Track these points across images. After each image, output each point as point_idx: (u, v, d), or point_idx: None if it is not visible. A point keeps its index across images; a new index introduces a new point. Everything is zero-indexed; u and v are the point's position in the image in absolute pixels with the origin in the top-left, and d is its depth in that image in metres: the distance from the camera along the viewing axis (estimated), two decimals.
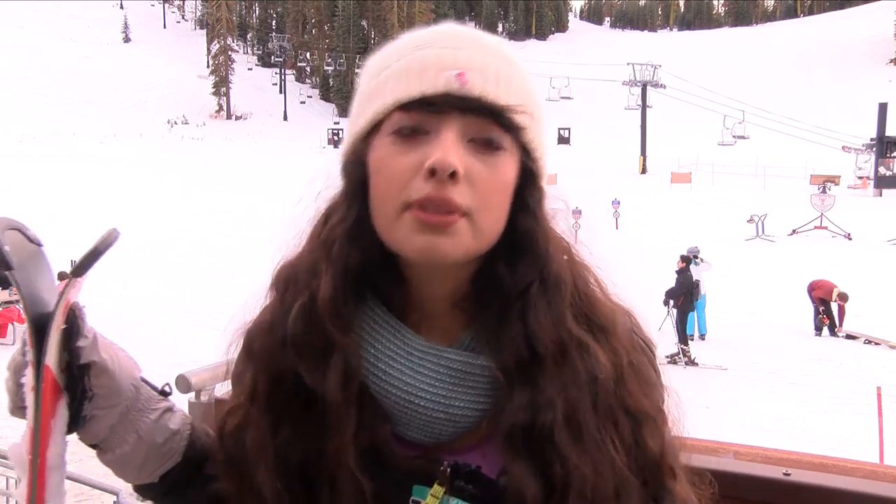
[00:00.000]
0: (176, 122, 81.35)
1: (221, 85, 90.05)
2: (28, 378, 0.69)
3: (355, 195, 0.73)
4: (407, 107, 0.68)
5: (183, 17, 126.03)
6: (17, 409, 0.71)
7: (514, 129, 0.70)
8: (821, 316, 12.26)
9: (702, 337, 11.86)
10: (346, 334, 0.71)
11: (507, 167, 0.70)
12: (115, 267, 16.37)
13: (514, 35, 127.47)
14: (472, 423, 0.72)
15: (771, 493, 1.08)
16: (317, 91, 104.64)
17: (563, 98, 54.34)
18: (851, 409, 8.35)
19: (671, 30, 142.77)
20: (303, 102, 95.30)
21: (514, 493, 0.68)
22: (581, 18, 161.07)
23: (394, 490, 0.71)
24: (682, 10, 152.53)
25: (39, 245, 0.76)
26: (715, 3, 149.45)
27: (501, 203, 0.70)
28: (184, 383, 1.37)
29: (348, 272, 0.72)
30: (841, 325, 12.23)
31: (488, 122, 0.69)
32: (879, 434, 6.46)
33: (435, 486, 0.70)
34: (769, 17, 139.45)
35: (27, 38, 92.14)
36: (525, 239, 0.72)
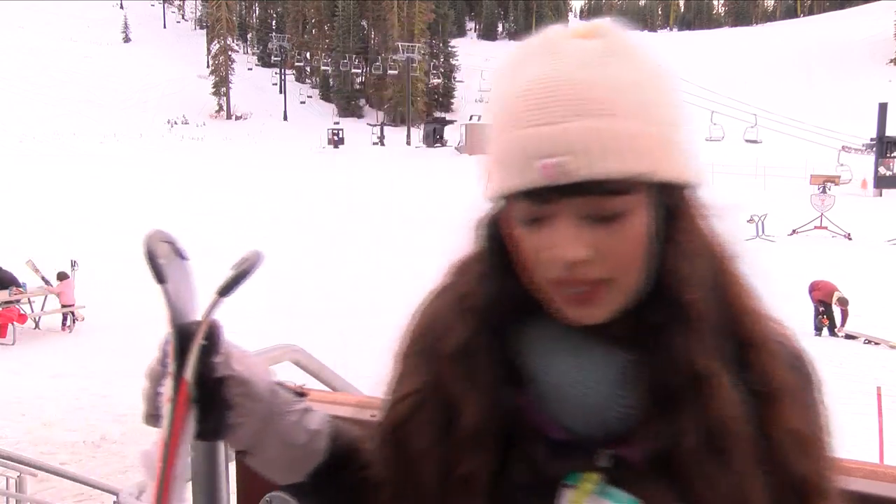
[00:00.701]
0: (176, 122, 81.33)
1: (221, 85, 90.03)
2: (166, 389, 0.72)
3: (496, 259, 0.74)
4: (515, 196, 0.68)
5: (183, 17, 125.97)
6: (151, 416, 0.75)
7: (631, 188, 0.67)
8: (820, 317, 12.25)
9: None
10: (518, 374, 0.73)
11: (635, 225, 0.68)
12: (114, 267, 16.36)
13: (514, 35, 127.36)
14: (633, 416, 0.72)
15: None
16: (317, 91, 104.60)
17: None
18: (851, 409, 8.35)
19: (671, 30, 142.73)
20: (303, 102, 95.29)
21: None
22: (581, 18, 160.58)
23: (540, 478, 0.72)
24: (682, 10, 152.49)
25: (187, 259, 0.78)
26: (715, 3, 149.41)
27: (638, 257, 0.69)
28: None
29: (511, 301, 0.74)
30: (843, 326, 12.23)
31: (602, 196, 0.66)
32: (879, 434, 6.46)
33: (590, 473, 0.71)
34: (769, 17, 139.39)
35: (27, 38, 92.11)
36: (669, 276, 0.70)
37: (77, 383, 9.06)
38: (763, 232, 22.74)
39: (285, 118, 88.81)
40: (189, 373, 0.71)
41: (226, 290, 0.72)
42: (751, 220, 23.07)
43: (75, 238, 19.14)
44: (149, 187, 34.62)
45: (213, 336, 0.73)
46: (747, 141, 48.39)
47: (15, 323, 11.77)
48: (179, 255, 0.76)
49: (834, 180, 32.50)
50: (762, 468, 0.70)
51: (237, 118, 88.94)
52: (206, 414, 0.72)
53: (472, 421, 0.72)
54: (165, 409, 0.72)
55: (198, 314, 0.74)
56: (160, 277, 0.71)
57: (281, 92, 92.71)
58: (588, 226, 0.66)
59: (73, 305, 12.53)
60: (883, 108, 38.13)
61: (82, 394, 8.67)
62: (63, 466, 5.80)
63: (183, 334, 0.72)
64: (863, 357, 10.87)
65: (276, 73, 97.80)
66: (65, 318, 12.58)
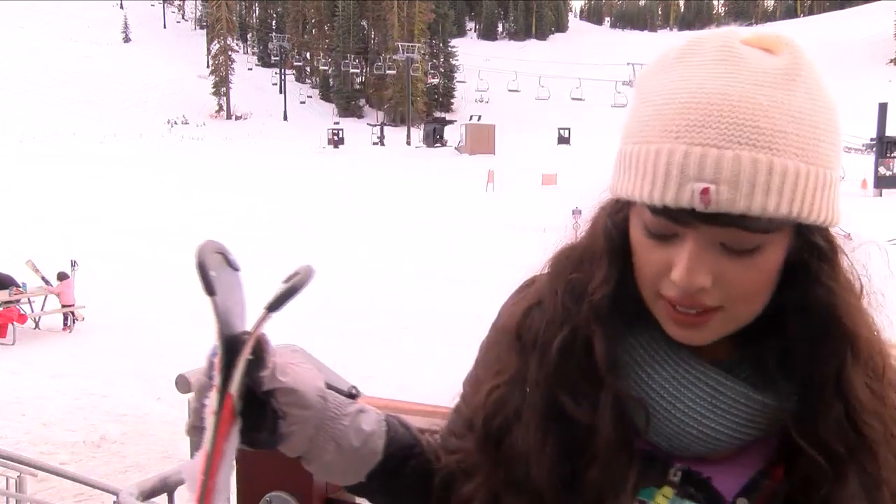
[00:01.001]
0: (176, 122, 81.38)
1: (221, 85, 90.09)
2: (210, 402, 0.72)
3: (615, 256, 0.72)
4: (653, 209, 0.65)
5: (183, 17, 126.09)
6: (195, 429, 0.75)
7: (779, 227, 0.63)
8: None
9: None
10: (620, 386, 0.71)
11: (768, 261, 0.65)
12: (114, 267, 16.38)
13: (514, 35, 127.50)
14: (721, 447, 0.70)
15: None
16: (317, 91, 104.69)
17: (574, 100, 54.05)
18: None
19: (671, 30, 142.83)
20: (303, 102, 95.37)
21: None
22: (581, 18, 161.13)
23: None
24: (682, 10, 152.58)
25: (238, 269, 0.77)
26: (715, 3, 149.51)
27: (761, 292, 0.66)
28: (183, 383, 1.37)
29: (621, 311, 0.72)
30: None
31: (742, 230, 0.62)
32: None
33: (665, 487, 0.70)
34: (769, 17, 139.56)
35: (27, 38, 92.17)
36: (825, 317, 0.67)
37: (77, 383, 9.06)
38: None
39: (285, 118, 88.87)
40: (234, 387, 0.72)
41: (275, 305, 0.72)
42: None
43: (75, 238, 19.13)
44: (149, 187, 34.64)
45: (260, 350, 0.73)
46: None
47: (15, 323, 11.76)
48: (231, 265, 0.76)
49: None
50: None
51: (237, 118, 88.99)
52: (258, 424, 0.73)
53: (606, 429, 0.70)
54: (209, 421, 0.72)
55: (245, 325, 0.74)
56: (210, 290, 0.71)
57: (281, 92, 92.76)
58: (718, 254, 0.64)
59: (73, 305, 12.53)
60: (883, 108, 38.12)
61: (82, 394, 8.66)
62: (63, 466, 5.79)
63: (230, 348, 0.72)
64: None
65: (276, 73, 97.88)
66: (65, 318, 12.58)
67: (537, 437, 0.73)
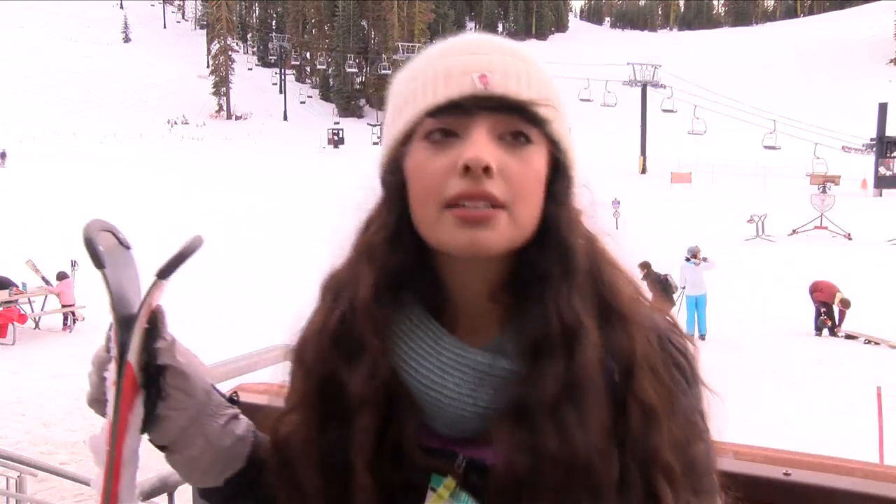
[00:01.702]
0: (176, 122, 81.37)
1: (221, 85, 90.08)
2: (110, 373, 0.72)
3: (394, 201, 0.76)
4: (436, 113, 0.73)
5: (183, 17, 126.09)
6: (96, 401, 0.76)
7: (540, 122, 0.74)
8: (822, 318, 12.25)
9: (702, 337, 11.85)
10: (377, 335, 0.74)
11: (537, 159, 0.73)
12: None
13: (514, 35, 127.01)
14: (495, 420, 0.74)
15: (771, 493, 1.08)
16: (317, 91, 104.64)
17: (582, 101, 53.71)
18: (851, 409, 8.35)
19: (671, 30, 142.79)
20: (303, 102, 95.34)
21: (505, 464, 0.70)
22: (581, 18, 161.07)
23: (415, 477, 0.74)
24: (682, 10, 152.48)
25: (129, 248, 0.78)
26: (715, 3, 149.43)
27: (535, 194, 0.73)
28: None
29: (388, 276, 0.75)
30: (840, 326, 12.23)
31: (515, 117, 0.73)
32: (879, 434, 6.46)
33: (448, 478, 0.73)
34: (769, 17, 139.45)
35: (27, 38, 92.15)
36: (552, 227, 0.75)
37: (77, 383, 9.04)
38: (763, 232, 22.74)
39: (285, 118, 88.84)
40: (133, 356, 0.71)
41: (165, 272, 0.72)
42: (751, 220, 23.07)
43: (75, 238, 19.06)
44: (149, 187, 34.64)
45: (156, 321, 0.73)
46: (766, 147, 47.03)
47: (15, 323, 11.76)
48: (122, 244, 0.76)
49: (834, 180, 32.52)
50: (613, 434, 0.72)
51: (237, 118, 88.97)
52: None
53: (356, 391, 0.74)
54: (110, 393, 0.72)
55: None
56: (99, 262, 0.71)
57: (281, 92, 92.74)
58: (497, 147, 0.72)
59: (73, 305, 12.53)
60: (883, 108, 38.17)
61: (82, 394, 8.42)
62: (63, 466, 5.79)
63: (126, 319, 0.72)
64: (863, 357, 10.87)
65: (276, 73, 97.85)
66: (65, 318, 12.58)
67: (306, 439, 0.76)
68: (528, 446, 0.70)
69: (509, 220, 0.71)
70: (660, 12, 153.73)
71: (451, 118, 0.73)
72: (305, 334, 0.82)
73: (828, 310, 12.28)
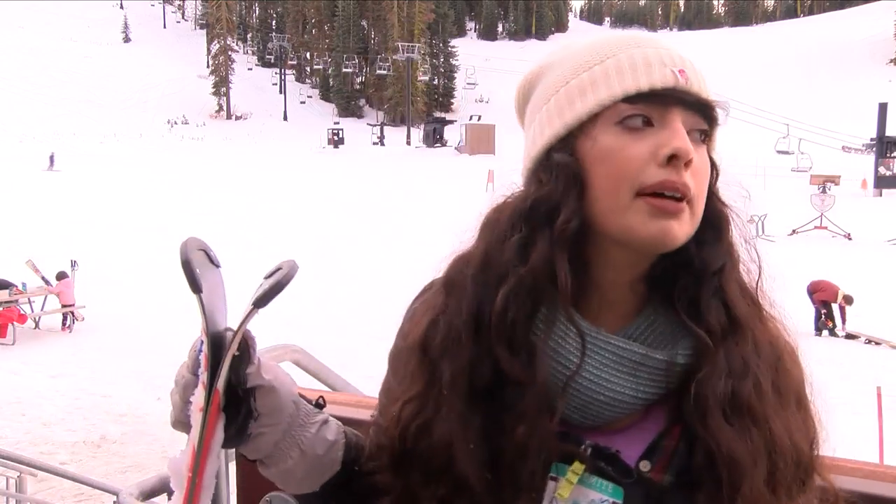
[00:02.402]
0: (176, 122, 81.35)
1: (221, 85, 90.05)
2: (197, 398, 0.72)
3: (576, 186, 0.74)
4: (633, 98, 0.72)
5: (183, 17, 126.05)
6: (181, 423, 0.75)
7: (714, 123, 0.76)
8: (823, 319, 12.23)
9: None
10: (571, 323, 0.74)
11: (707, 159, 0.76)
12: (114, 267, 16.37)
13: (514, 35, 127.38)
14: (630, 410, 0.74)
15: None
16: (317, 91, 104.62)
17: None
18: (851, 409, 8.35)
19: (671, 30, 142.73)
20: (303, 102, 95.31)
21: (728, 453, 0.70)
22: (581, 18, 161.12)
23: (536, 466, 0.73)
24: (682, 10, 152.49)
25: (219, 266, 0.77)
26: (715, 3, 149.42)
27: (706, 192, 0.75)
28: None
29: (570, 263, 0.74)
30: (844, 324, 12.23)
31: (697, 115, 0.74)
32: (879, 434, 6.45)
33: (576, 463, 0.73)
34: (769, 17, 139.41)
35: (27, 38, 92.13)
36: (718, 223, 0.77)
37: (77, 383, 9.06)
38: (763, 232, 22.72)
39: (285, 118, 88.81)
40: (221, 383, 0.71)
41: (262, 301, 0.71)
42: (751, 220, 22.88)
43: (75, 238, 19.13)
44: (149, 187, 34.63)
45: (245, 347, 0.73)
46: (779, 152, 46.18)
47: (15, 323, 11.75)
48: (213, 262, 0.76)
49: (834, 180, 32.50)
50: (793, 418, 0.76)
51: (237, 118, 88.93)
52: (228, 422, 0.73)
53: (542, 375, 0.73)
54: (195, 418, 0.72)
55: (227, 322, 0.74)
56: (196, 287, 0.70)
57: (281, 92, 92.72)
58: (689, 141, 0.73)
59: (72, 305, 12.52)
60: (883, 108, 38.11)
61: (82, 394, 8.66)
62: (63, 466, 5.79)
63: (216, 344, 0.72)
64: (863, 357, 10.86)
65: (276, 73, 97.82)
66: (65, 318, 12.57)
67: (460, 423, 0.74)
68: (739, 435, 0.71)
69: (691, 213, 0.72)
70: (660, 12, 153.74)
71: (648, 106, 0.72)
72: (428, 320, 0.80)
73: (828, 310, 12.26)
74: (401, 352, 0.84)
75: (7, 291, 11.90)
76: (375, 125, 79.45)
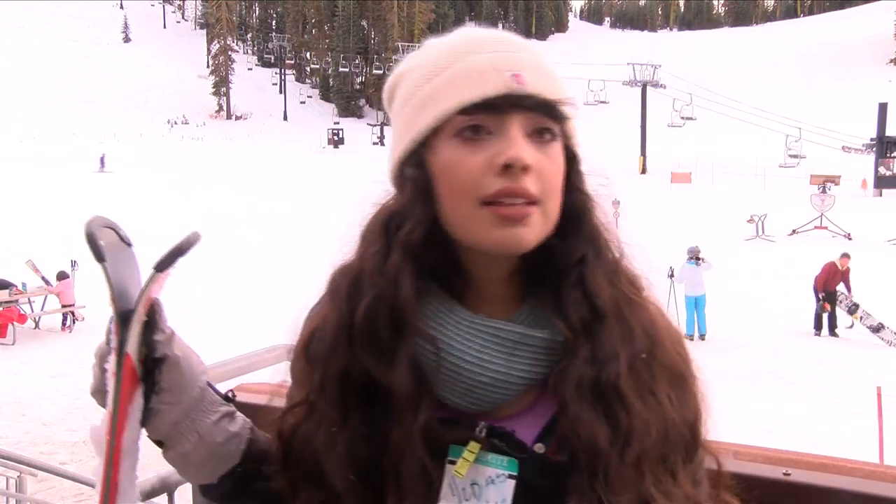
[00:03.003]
0: (176, 122, 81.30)
1: (221, 85, 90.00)
2: (111, 364, 0.74)
3: (425, 198, 0.76)
4: (468, 110, 0.73)
5: (183, 17, 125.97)
6: (98, 392, 0.77)
7: (562, 119, 0.76)
8: (822, 303, 12.23)
9: (702, 337, 11.86)
10: (420, 328, 0.75)
11: (559, 154, 0.76)
12: None
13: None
14: (515, 391, 0.75)
15: (771, 493, 1.07)
16: (317, 91, 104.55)
17: (599, 102, 53.56)
18: (851, 409, 8.35)
19: (671, 30, 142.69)
20: (303, 102, 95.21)
21: (586, 439, 0.72)
22: (581, 18, 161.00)
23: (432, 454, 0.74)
24: (682, 10, 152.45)
25: (130, 245, 0.80)
26: (715, 3, 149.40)
27: (559, 188, 0.76)
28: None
29: (423, 271, 0.76)
30: (850, 293, 12.39)
31: (542, 114, 0.74)
32: (879, 434, 6.46)
33: (471, 443, 0.75)
34: (769, 17, 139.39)
35: (27, 38, 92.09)
36: (579, 215, 0.78)
37: (77, 383, 9.05)
38: (763, 232, 22.74)
39: (285, 118, 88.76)
40: (132, 347, 0.73)
41: (162, 265, 0.73)
42: (751, 220, 23.08)
43: (75, 238, 19.09)
44: (148, 187, 34.62)
45: (153, 314, 0.75)
46: (790, 156, 45.88)
47: (15, 323, 11.75)
48: (124, 241, 0.78)
49: (834, 180, 32.49)
50: (669, 399, 0.77)
51: (237, 118, 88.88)
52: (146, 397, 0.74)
53: (405, 390, 0.74)
54: (110, 383, 0.73)
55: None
56: (99, 256, 0.72)
57: (281, 92, 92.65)
58: (530, 144, 0.73)
59: (72, 305, 12.52)
60: (883, 108, 38.12)
61: (82, 394, 8.64)
62: (63, 466, 5.79)
63: (126, 312, 0.74)
64: (863, 357, 10.87)
65: (276, 73, 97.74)
66: (65, 318, 12.57)
67: (327, 428, 0.76)
68: (606, 419, 0.73)
69: (542, 215, 0.73)
70: (660, 12, 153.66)
71: (484, 115, 0.73)
72: (312, 328, 0.82)
73: (827, 294, 12.25)
74: (292, 358, 0.86)
75: (7, 291, 11.90)
76: (375, 125, 79.37)
